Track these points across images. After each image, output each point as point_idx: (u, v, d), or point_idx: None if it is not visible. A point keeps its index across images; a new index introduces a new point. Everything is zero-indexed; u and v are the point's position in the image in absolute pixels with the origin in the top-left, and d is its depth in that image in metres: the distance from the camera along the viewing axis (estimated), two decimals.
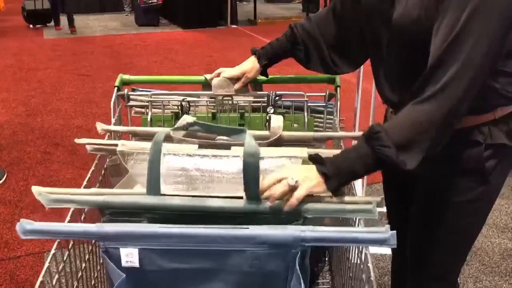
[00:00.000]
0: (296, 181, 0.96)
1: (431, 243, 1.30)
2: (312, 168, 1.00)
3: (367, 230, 0.88)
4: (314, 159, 1.02)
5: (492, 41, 0.98)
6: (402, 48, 1.13)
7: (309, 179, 0.98)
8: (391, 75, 1.21)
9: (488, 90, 1.10)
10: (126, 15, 9.60)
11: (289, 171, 0.99)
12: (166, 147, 1.16)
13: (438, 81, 0.99)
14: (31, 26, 8.46)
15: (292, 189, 0.96)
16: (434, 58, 1.01)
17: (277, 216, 0.98)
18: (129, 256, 0.90)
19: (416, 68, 1.05)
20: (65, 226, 0.91)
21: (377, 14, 1.17)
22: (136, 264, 0.90)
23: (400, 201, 1.44)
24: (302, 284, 0.84)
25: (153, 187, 0.99)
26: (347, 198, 1.00)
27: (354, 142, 1.95)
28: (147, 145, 1.22)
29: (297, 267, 0.87)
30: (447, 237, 1.28)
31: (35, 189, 0.99)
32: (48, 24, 8.44)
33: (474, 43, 0.97)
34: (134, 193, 1.02)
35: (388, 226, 0.87)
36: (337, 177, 0.99)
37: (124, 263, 0.90)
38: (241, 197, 0.99)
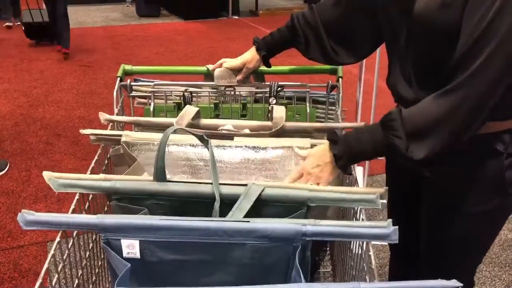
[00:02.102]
0: (311, 185, 1.06)
1: (445, 248, 1.27)
2: (325, 152, 1.08)
3: (369, 224, 0.87)
4: (329, 139, 1.09)
5: None
6: (423, 41, 1.08)
7: (321, 172, 1.08)
8: (409, 70, 1.15)
9: (510, 93, 1.03)
10: (127, 5, 9.56)
11: (305, 170, 1.09)
12: (169, 137, 1.16)
13: (467, 69, 0.96)
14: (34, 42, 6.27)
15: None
16: (465, 46, 0.96)
17: (283, 204, 0.99)
18: (130, 248, 0.90)
19: (437, 63, 1.02)
20: (66, 217, 0.91)
21: (396, 5, 1.12)
22: (137, 255, 0.91)
23: (404, 201, 1.40)
24: (302, 276, 0.84)
25: (160, 174, 1.01)
26: (351, 189, 1.00)
27: None
28: (151, 135, 1.23)
29: (297, 261, 0.87)
30: (462, 244, 1.24)
31: (46, 174, 1.00)
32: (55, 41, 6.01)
33: (507, 31, 0.92)
34: (141, 179, 1.03)
35: (390, 220, 0.87)
36: (347, 157, 1.06)
37: (125, 254, 0.91)
38: (245, 185, 0.99)
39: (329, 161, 1.07)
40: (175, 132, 1.04)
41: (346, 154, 1.06)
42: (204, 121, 1.34)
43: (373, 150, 1.04)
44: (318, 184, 1.07)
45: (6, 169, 3.13)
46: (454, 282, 0.77)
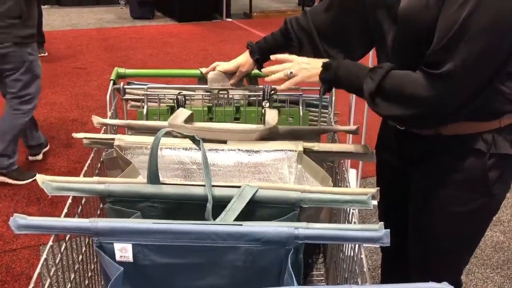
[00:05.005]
0: (291, 72, 1.19)
1: (430, 248, 1.28)
2: (320, 62, 1.19)
3: (360, 227, 0.87)
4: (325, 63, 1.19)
5: (494, 36, 0.95)
6: (407, 42, 1.10)
7: (306, 70, 1.19)
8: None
9: (494, 94, 1.06)
10: (121, 8, 9.54)
11: (296, 60, 1.21)
12: (162, 140, 1.17)
13: (452, 59, 0.98)
14: None
15: (289, 77, 1.19)
16: (442, 40, 0.99)
17: (276, 206, 1.00)
18: (123, 251, 0.90)
19: (421, 63, 1.03)
20: (59, 221, 0.90)
21: (384, 9, 1.14)
22: (130, 259, 0.90)
23: (394, 203, 1.41)
24: (294, 280, 0.84)
25: (153, 176, 1.01)
26: (343, 190, 1.01)
27: (349, 136, 2.00)
28: (143, 139, 1.23)
29: (289, 264, 0.87)
30: (447, 244, 1.25)
31: (39, 177, 1.00)
32: None
33: (475, 35, 0.95)
34: (135, 182, 1.03)
35: (382, 224, 0.87)
36: (333, 73, 1.16)
37: (118, 258, 0.90)
38: (239, 186, 1.00)
39: (317, 67, 1.18)
40: (168, 135, 1.05)
41: (333, 69, 1.16)
42: (197, 124, 1.34)
43: (354, 81, 1.13)
44: (292, 74, 1.19)
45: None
46: (445, 284, 0.77)
